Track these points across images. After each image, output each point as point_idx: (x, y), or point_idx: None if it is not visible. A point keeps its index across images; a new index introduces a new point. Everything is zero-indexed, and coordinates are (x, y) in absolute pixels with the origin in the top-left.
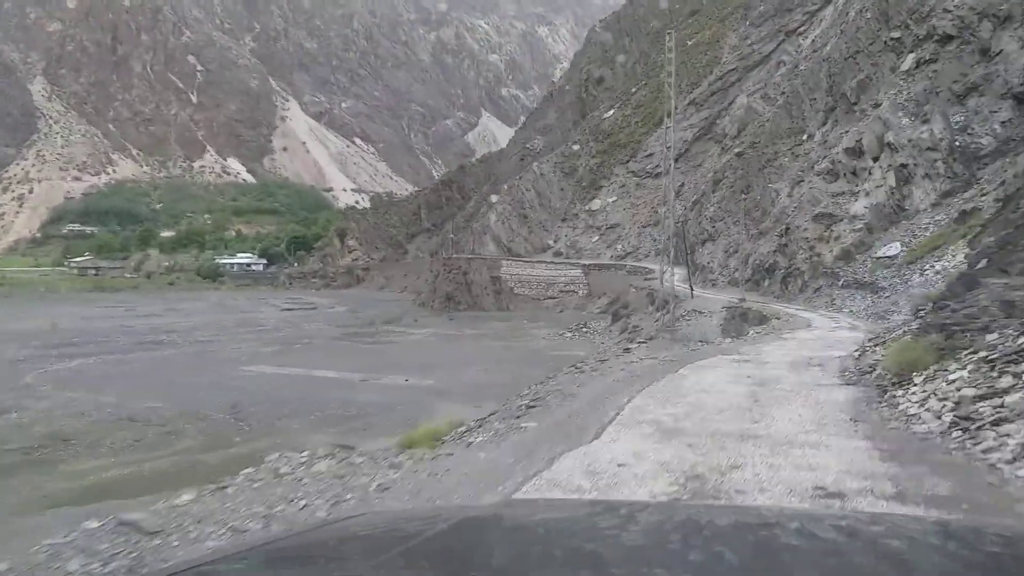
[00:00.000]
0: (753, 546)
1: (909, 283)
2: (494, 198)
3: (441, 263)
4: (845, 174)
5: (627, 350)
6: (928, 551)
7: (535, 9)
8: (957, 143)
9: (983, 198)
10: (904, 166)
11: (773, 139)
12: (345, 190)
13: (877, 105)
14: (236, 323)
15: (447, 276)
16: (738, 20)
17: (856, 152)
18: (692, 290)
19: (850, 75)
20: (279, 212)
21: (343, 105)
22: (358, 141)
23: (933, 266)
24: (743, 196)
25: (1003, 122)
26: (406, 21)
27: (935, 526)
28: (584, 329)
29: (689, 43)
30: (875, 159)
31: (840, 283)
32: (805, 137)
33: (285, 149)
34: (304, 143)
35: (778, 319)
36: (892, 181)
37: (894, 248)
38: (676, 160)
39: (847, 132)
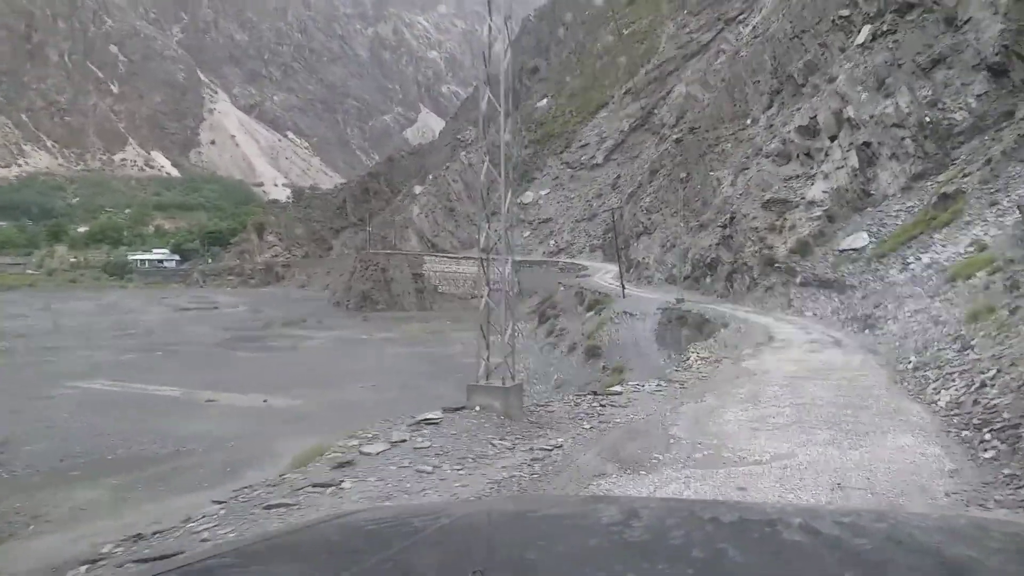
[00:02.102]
0: (756, 542)
1: (887, 280)
2: (418, 189)
3: (358, 259)
4: (798, 155)
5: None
6: (932, 547)
7: (475, 7)
8: (927, 119)
9: (965, 179)
10: (867, 145)
11: (714, 124)
12: (276, 185)
13: (832, 80)
14: (109, 326)
15: (364, 273)
16: (676, 8)
17: (810, 131)
18: (624, 289)
19: (796, 56)
20: (205, 207)
21: (275, 98)
22: (291, 135)
23: (919, 259)
24: (682, 185)
25: (978, 95)
26: (342, 15)
27: (939, 522)
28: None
29: (625, 32)
30: (832, 138)
31: (798, 280)
32: (749, 121)
33: (213, 142)
34: (233, 136)
35: (726, 327)
36: (854, 162)
37: (860, 239)
38: (612, 151)
39: (799, 109)
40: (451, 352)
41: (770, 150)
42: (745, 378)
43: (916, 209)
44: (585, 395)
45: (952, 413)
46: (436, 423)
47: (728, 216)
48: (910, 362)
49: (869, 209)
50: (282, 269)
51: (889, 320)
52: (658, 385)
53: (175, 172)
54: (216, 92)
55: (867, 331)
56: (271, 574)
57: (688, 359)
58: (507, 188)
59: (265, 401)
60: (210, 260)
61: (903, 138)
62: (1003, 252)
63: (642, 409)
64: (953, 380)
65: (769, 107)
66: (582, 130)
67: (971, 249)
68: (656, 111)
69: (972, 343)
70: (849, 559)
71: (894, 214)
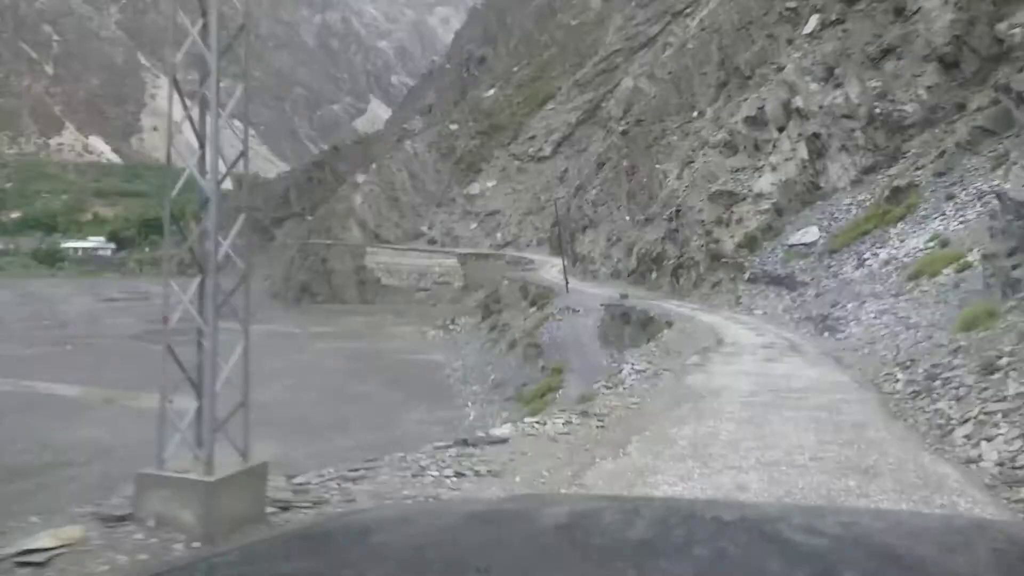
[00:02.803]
0: (757, 542)
1: (841, 277)
2: (360, 178)
3: (297, 250)
4: (745, 147)
5: None
6: (932, 547)
7: None
8: (877, 110)
9: (918, 172)
10: (817, 136)
11: (660, 116)
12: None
13: (780, 69)
14: (24, 316)
15: (303, 264)
16: (623, 1)
17: (758, 122)
18: (567, 283)
19: (743, 47)
20: (147, 195)
21: (220, 85)
22: (236, 123)
23: (876, 255)
24: (628, 178)
25: (928, 87)
26: (288, 1)
27: (939, 522)
28: (452, 327)
29: (573, 23)
30: (781, 129)
31: (746, 276)
32: (695, 114)
33: (155, 128)
34: (176, 123)
35: (670, 327)
36: (804, 153)
37: (811, 233)
38: (560, 144)
39: (745, 100)
40: (387, 348)
41: (716, 141)
42: (690, 406)
43: (867, 203)
44: (448, 447)
45: (1020, 483)
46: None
47: (674, 209)
48: (897, 380)
49: (819, 202)
50: (221, 260)
51: (851, 321)
52: (567, 421)
53: (115, 158)
54: (158, 76)
55: (826, 334)
56: (281, 570)
57: (621, 372)
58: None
59: (171, 402)
60: (147, 249)
61: (853, 130)
62: (971, 246)
63: (526, 473)
64: (996, 425)
65: (716, 99)
66: (529, 121)
67: (932, 244)
68: (604, 104)
69: (1000, 363)
70: (851, 559)
71: (845, 208)
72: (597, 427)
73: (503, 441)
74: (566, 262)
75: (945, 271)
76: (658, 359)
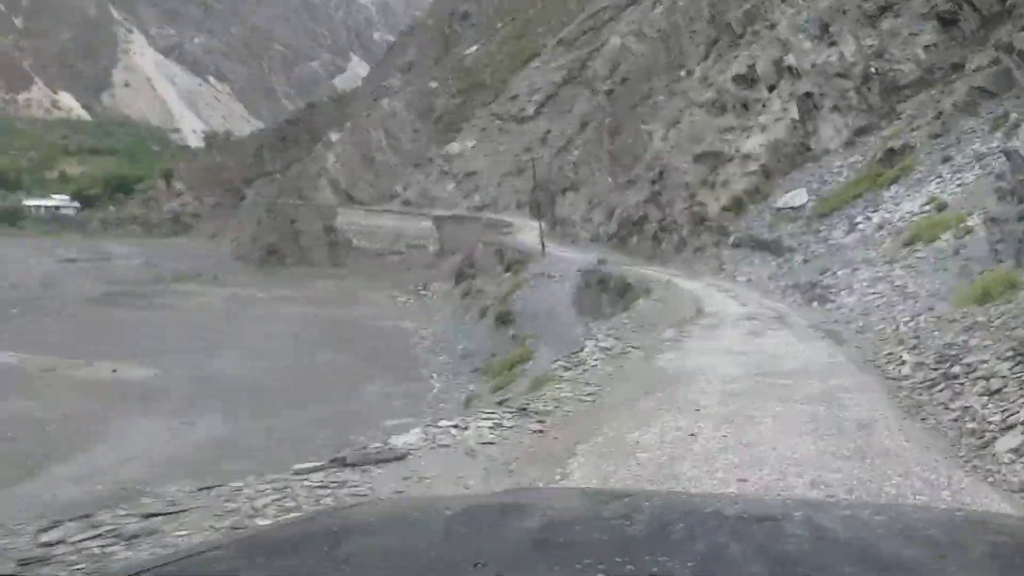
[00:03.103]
0: (758, 536)
1: (831, 242)
2: (334, 136)
3: (264, 210)
4: (735, 106)
5: None
6: (934, 542)
7: None
8: (873, 70)
9: (913, 134)
10: (808, 95)
11: (648, 75)
12: (195, 131)
13: (772, 26)
14: None
15: (271, 224)
16: None
17: (748, 80)
18: (544, 247)
19: (735, 4)
20: (118, 152)
21: (195, 40)
22: (212, 79)
23: (868, 219)
24: (610, 139)
25: (926, 47)
26: None
27: (942, 516)
28: (424, 292)
29: None
30: (771, 88)
31: (731, 241)
32: (684, 73)
33: (127, 85)
34: (150, 79)
35: (647, 295)
36: (794, 113)
37: (800, 196)
38: (543, 104)
39: (736, 58)
40: (355, 314)
41: (704, 100)
42: (659, 396)
43: (860, 165)
44: (316, 468)
45: None
46: None
47: (657, 171)
48: (903, 361)
49: (809, 164)
50: (191, 219)
51: (842, 291)
52: (497, 424)
53: (85, 115)
54: (131, 31)
55: (815, 303)
56: (271, 567)
57: (582, 351)
58: None
59: (114, 371)
60: (113, 208)
61: (847, 89)
62: (971, 210)
63: None
64: None
65: (705, 58)
66: (512, 80)
67: (928, 208)
68: (590, 63)
69: None
70: (853, 553)
71: (836, 170)
72: (534, 432)
73: (400, 458)
74: (543, 225)
75: (943, 236)
76: (629, 333)
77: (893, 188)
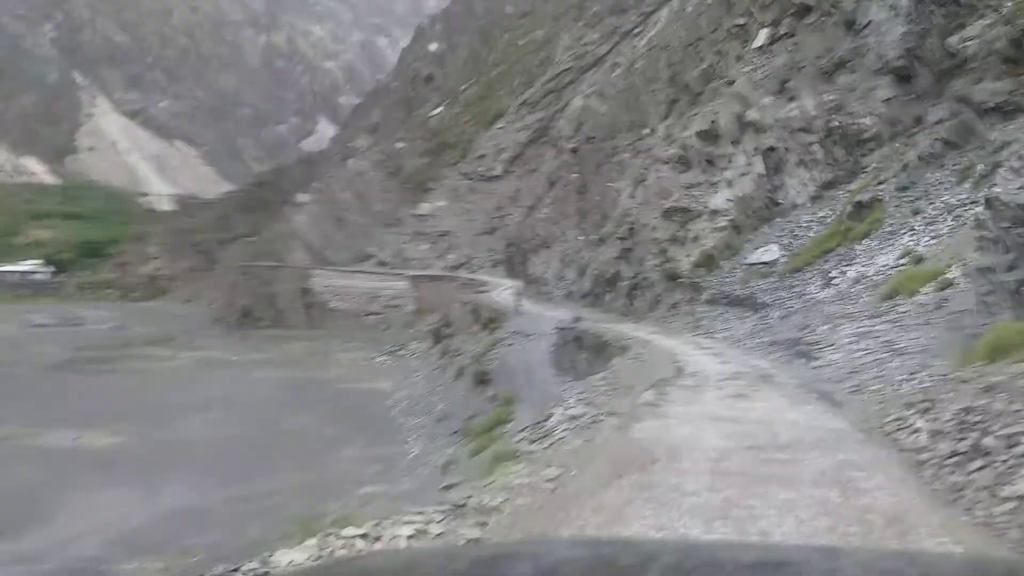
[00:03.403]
0: None
1: (806, 297)
2: (302, 197)
3: (239, 272)
4: (699, 162)
5: None
6: None
7: (373, 20)
8: (835, 124)
9: (880, 187)
10: (773, 150)
11: (611, 133)
12: (163, 195)
13: (731, 83)
14: None
15: (246, 287)
16: (572, 20)
17: (711, 136)
18: (519, 306)
19: (692, 64)
20: (85, 217)
21: (161, 104)
22: (179, 143)
23: (843, 273)
24: (579, 196)
25: (885, 100)
26: (232, 22)
27: (965, 563)
28: (401, 352)
29: (520, 43)
30: (735, 143)
31: (704, 297)
32: (647, 131)
33: (92, 149)
34: (115, 143)
35: (624, 353)
36: (760, 168)
37: (771, 252)
38: (511, 162)
39: (697, 114)
40: (327, 376)
41: (669, 156)
42: (634, 479)
43: (828, 219)
44: None
45: None
46: None
47: (627, 227)
48: (916, 429)
49: (778, 219)
50: (166, 283)
51: (826, 347)
52: (421, 531)
53: (51, 179)
54: (95, 96)
55: (800, 360)
56: None
57: (549, 419)
58: None
59: (76, 439)
60: (88, 272)
61: (810, 143)
62: (950, 263)
63: None
64: None
65: (667, 116)
66: (479, 140)
67: (904, 261)
68: (554, 123)
69: None
70: None
71: (805, 224)
72: (468, 541)
73: None
74: (515, 283)
75: (924, 290)
76: (602, 397)
77: (865, 242)
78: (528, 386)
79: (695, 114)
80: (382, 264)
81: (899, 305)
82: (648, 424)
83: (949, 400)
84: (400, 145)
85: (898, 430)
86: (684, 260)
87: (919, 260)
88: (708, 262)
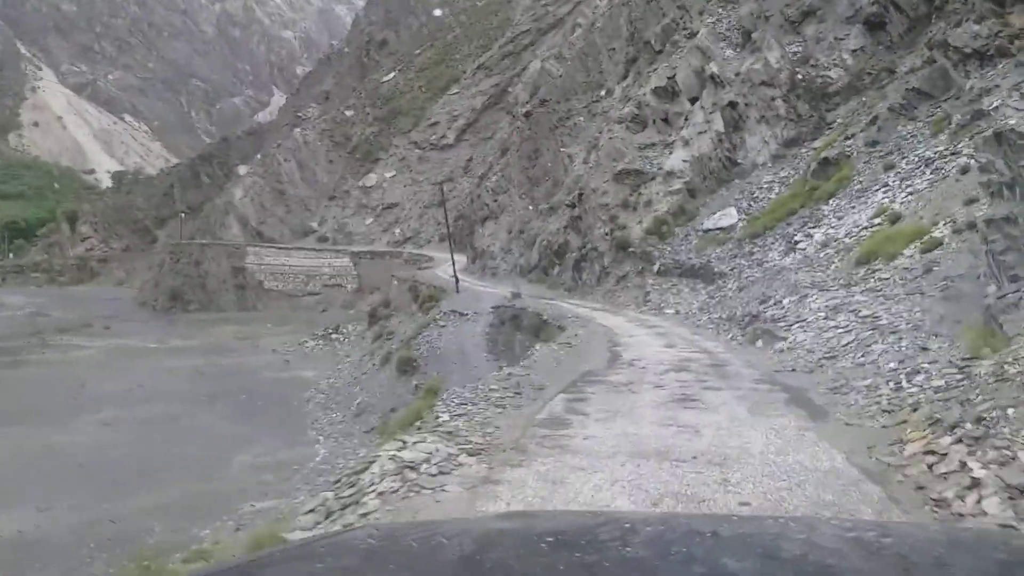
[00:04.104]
0: (758, 556)
1: (767, 265)
2: (242, 170)
3: (167, 251)
4: (655, 120)
5: None
6: (935, 560)
7: None
8: (799, 77)
9: (848, 142)
10: (733, 105)
11: (566, 95)
12: (110, 172)
13: (692, 35)
14: None
15: (174, 267)
16: None
17: (668, 92)
18: (457, 282)
19: (653, 20)
20: (26, 196)
21: (110, 77)
22: (128, 118)
23: (809, 236)
24: (530, 163)
25: (853, 51)
26: None
27: (941, 534)
28: (335, 335)
29: (479, 3)
30: (694, 100)
31: (656, 268)
32: (603, 93)
33: (36, 124)
34: (60, 118)
35: (561, 335)
36: (719, 125)
37: (728, 216)
38: (464, 130)
39: (655, 71)
40: (252, 364)
41: (623, 115)
42: None
43: (791, 179)
44: None
45: None
46: None
47: (576, 193)
48: (972, 479)
49: (736, 181)
50: (98, 264)
51: (792, 324)
52: None
53: None
54: (40, 68)
55: (759, 342)
56: None
57: (369, 468)
58: None
59: None
60: (11, 255)
61: (773, 98)
62: (935, 219)
63: None
64: None
65: (625, 77)
66: (432, 107)
67: (878, 221)
68: (511, 88)
69: None
70: (854, 573)
71: (766, 185)
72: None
73: None
74: (453, 255)
75: (906, 252)
76: (489, 410)
77: (833, 202)
78: (460, 372)
79: (653, 70)
80: (323, 240)
81: (878, 271)
82: (527, 474)
83: (1000, 413)
84: (349, 113)
85: (937, 479)
86: (635, 228)
87: (896, 219)
88: (661, 229)
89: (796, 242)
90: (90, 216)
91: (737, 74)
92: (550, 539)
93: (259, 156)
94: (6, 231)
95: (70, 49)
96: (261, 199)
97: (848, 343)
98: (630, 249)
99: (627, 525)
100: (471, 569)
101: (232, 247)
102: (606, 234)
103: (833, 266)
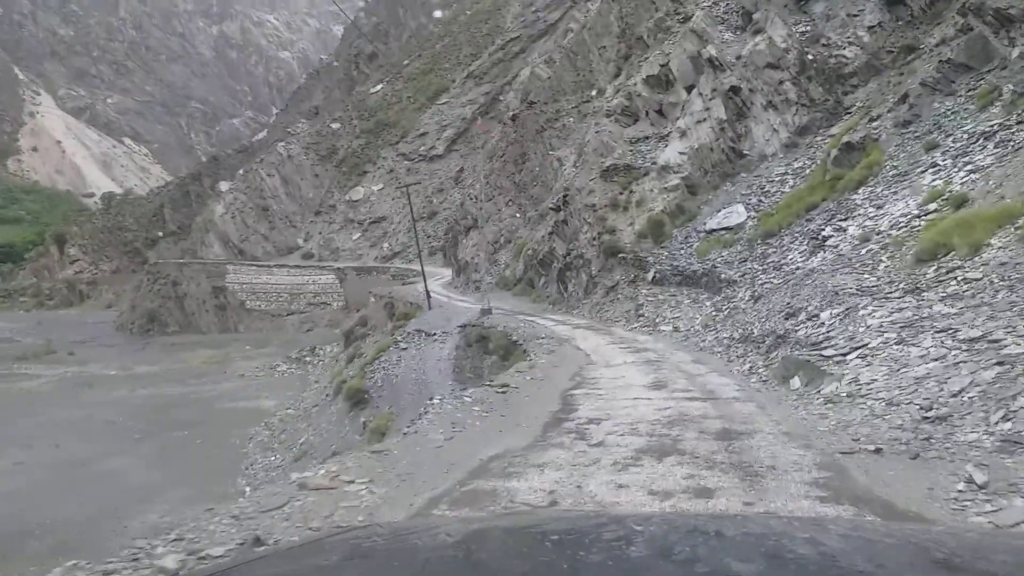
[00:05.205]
0: (761, 556)
1: (788, 267)
2: (224, 186)
3: (145, 272)
4: (648, 113)
5: None
6: (939, 561)
7: (329, 6)
8: (810, 58)
9: (874, 124)
10: (736, 91)
11: (555, 95)
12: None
13: (686, 19)
14: None
15: (151, 288)
16: None
17: (662, 82)
18: (429, 297)
19: (646, 15)
20: (23, 221)
21: (108, 101)
22: (127, 141)
23: (841, 230)
24: (516, 168)
25: (870, 28)
26: (182, 12)
27: (945, 535)
28: (309, 358)
29: (468, 12)
30: (691, 88)
31: (651, 276)
32: (594, 93)
33: (35, 149)
34: (59, 142)
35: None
36: (720, 112)
37: (735, 214)
38: (454, 140)
39: (647, 59)
40: (210, 392)
41: (612, 107)
42: None
43: (808, 170)
44: None
45: None
46: None
47: (561, 195)
48: None
49: (743, 174)
50: (87, 287)
51: (847, 352)
52: None
53: None
54: (38, 93)
55: (796, 379)
56: None
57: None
58: None
59: None
60: None
61: (781, 81)
62: None
63: None
64: None
65: (617, 75)
66: (420, 118)
67: (934, 207)
68: (501, 96)
69: None
70: (857, 573)
71: (777, 178)
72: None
73: None
74: (424, 272)
75: (996, 241)
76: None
77: (864, 190)
78: (413, 406)
79: (646, 58)
80: (308, 256)
81: (958, 269)
82: None
83: None
84: (335, 125)
85: None
86: (627, 230)
87: (961, 202)
88: (656, 231)
89: (824, 238)
90: (79, 238)
91: (739, 57)
92: (554, 538)
93: (241, 172)
94: None
95: (68, 73)
96: (243, 216)
97: (962, 389)
98: (620, 255)
99: (631, 525)
100: (475, 567)
101: (212, 266)
102: (593, 239)
103: (883, 266)
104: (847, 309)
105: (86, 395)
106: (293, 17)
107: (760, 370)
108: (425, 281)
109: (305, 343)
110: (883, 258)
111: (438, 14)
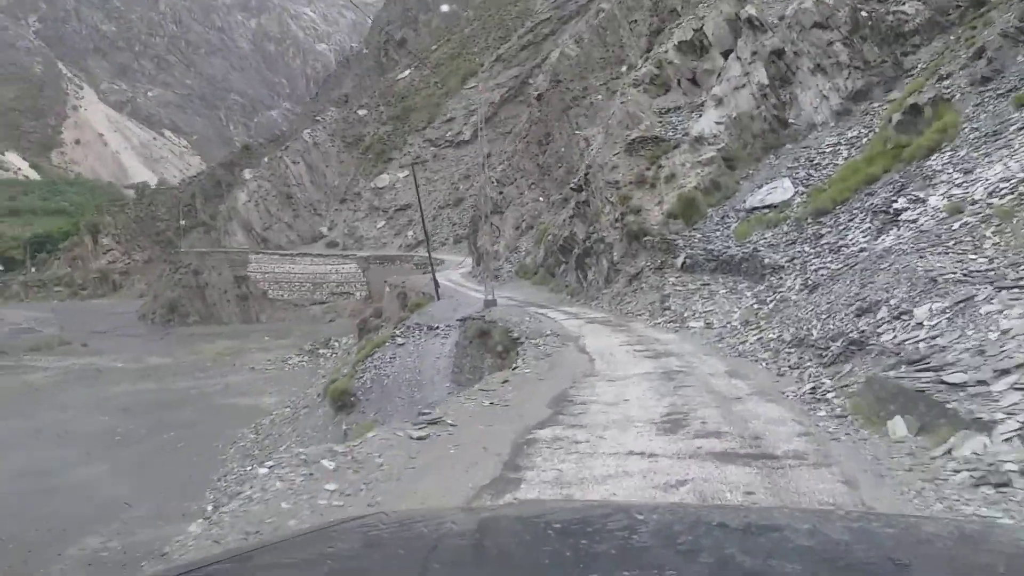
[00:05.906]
0: (765, 547)
1: (848, 249)
2: (248, 173)
3: (167, 261)
4: (680, 82)
5: None
6: (941, 553)
7: None
8: (863, 15)
9: (944, 83)
10: (779, 54)
11: (582, 72)
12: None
13: None
14: None
15: (172, 278)
16: None
17: (695, 48)
18: (437, 287)
19: None
20: (68, 212)
21: (149, 94)
22: (168, 133)
23: (920, 201)
24: (540, 149)
25: None
26: (221, 6)
27: (948, 527)
28: (323, 350)
29: None
30: (727, 53)
31: (680, 262)
32: (624, 69)
33: (78, 142)
34: (102, 135)
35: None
36: (762, 77)
37: (781, 190)
38: (483, 124)
39: (679, 25)
40: (214, 387)
41: (639, 76)
42: None
43: (864, 139)
44: None
45: None
46: None
47: (582, 173)
48: None
49: (788, 145)
50: (120, 277)
51: (995, 377)
52: None
53: (33, 174)
54: (81, 88)
55: (902, 421)
56: None
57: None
58: None
59: None
60: (34, 269)
61: (830, 42)
62: None
63: None
64: None
65: (648, 50)
66: (447, 103)
67: None
68: (531, 80)
69: None
70: (859, 565)
71: (829, 149)
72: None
73: None
74: (432, 261)
75: None
76: None
77: (940, 156)
78: (403, 411)
79: (678, 24)
80: (333, 245)
81: None
82: None
83: None
84: (362, 112)
85: None
86: (654, 210)
87: None
88: (687, 210)
89: (896, 212)
90: (112, 228)
91: (782, 17)
92: (558, 527)
93: (266, 159)
94: (32, 246)
95: (110, 68)
96: (267, 204)
97: None
98: (646, 238)
99: (635, 515)
100: (480, 557)
101: (234, 255)
102: (615, 220)
103: (989, 243)
104: (958, 303)
105: (86, 390)
106: (329, 9)
107: (829, 394)
108: (433, 269)
109: (329, 333)
110: (987, 233)
111: (444, 8)
